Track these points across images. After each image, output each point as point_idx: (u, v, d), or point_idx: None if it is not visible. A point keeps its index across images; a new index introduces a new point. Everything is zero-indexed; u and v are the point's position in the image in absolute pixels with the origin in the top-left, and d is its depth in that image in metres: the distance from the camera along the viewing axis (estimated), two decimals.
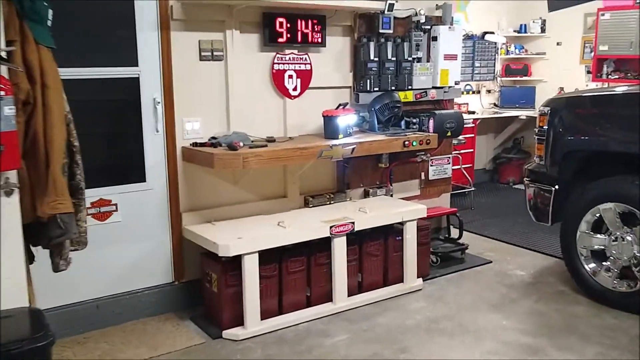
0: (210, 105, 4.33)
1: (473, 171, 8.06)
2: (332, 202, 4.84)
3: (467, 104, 8.41)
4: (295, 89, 4.64)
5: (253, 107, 4.50)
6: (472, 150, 7.97)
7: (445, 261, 5.31)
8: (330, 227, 4.21)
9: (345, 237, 4.31)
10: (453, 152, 7.04)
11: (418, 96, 5.17)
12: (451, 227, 5.76)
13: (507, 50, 8.74)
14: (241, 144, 4.03)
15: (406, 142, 4.65)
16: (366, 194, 5.12)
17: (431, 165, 5.52)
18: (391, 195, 5.21)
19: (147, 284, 4.26)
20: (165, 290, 4.33)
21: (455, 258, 5.43)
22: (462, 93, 8.43)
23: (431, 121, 4.97)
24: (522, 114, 8.33)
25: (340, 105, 4.55)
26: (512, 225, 6.49)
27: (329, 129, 4.50)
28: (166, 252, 4.31)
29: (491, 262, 5.42)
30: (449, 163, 5.67)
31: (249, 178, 4.48)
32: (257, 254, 3.93)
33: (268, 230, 4.12)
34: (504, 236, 6.17)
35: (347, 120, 4.55)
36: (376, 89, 4.89)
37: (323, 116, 4.50)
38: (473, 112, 8.30)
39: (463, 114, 8.07)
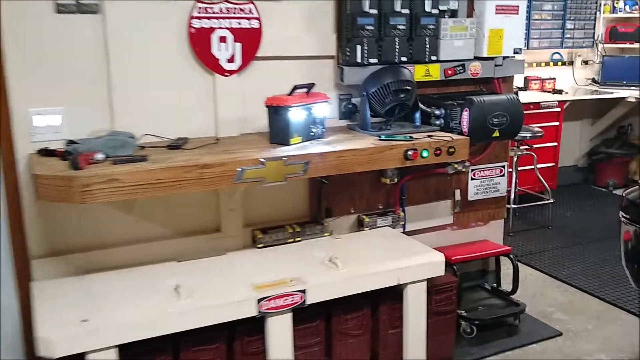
0: (79, 87, 2.65)
1: (556, 172, 5.98)
2: (297, 238, 3.07)
3: (555, 79, 6.35)
4: (231, 59, 2.86)
5: (156, 90, 2.78)
6: (555, 144, 5.87)
7: (486, 330, 3.42)
8: (259, 300, 2.46)
9: (290, 314, 2.55)
10: (523, 149, 5.11)
11: (449, 72, 3.26)
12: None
13: (613, 7, 6.69)
14: (100, 156, 2.35)
15: (410, 153, 2.77)
16: (360, 224, 3.29)
17: (472, 179, 3.59)
18: (402, 226, 3.36)
19: None
20: None
21: (505, 324, 3.53)
22: (549, 64, 6.36)
23: (465, 113, 3.06)
24: (631, 94, 6.15)
25: (296, 88, 2.72)
26: (602, 261, 4.43)
27: (275, 129, 2.72)
28: (11, 319, 2.73)
29: (560, 334, 3.47)
30: (503, 174, 3.70)
31: (154, 202, 2.79)
32: (115, 350, 2.26)
33: (149, 302, 2.42)
34: (588, 281, 4.15)
35: (307, 113, 2.75)
36: (373, 60, 3.03)
37: (266, 106, 2.72)
38: (560, 92, 6.14)
39: (545, 93, 6.07)
